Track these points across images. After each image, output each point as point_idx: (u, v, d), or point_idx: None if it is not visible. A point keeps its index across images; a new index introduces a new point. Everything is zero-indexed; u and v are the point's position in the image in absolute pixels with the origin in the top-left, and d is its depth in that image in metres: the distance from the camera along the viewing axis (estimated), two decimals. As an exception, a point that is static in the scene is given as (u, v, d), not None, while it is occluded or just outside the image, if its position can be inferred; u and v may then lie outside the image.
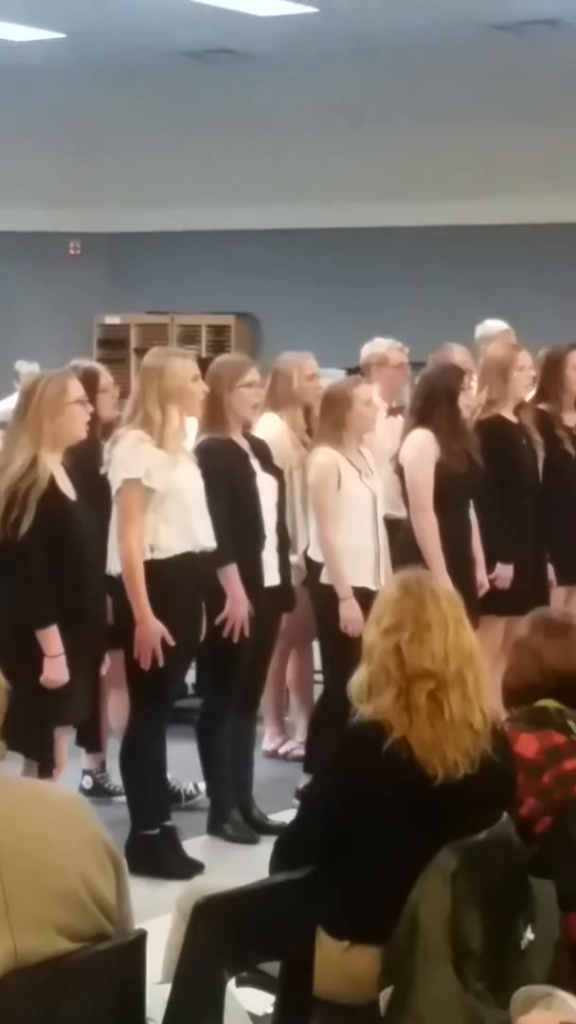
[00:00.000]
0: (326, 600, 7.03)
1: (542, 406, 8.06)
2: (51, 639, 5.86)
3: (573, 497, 7.92)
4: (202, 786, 7.07)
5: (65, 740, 6.23)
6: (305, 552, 7.23)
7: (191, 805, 7.09)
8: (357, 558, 7.04)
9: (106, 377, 7.15)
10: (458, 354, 8.61)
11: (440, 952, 3.70)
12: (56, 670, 5.86)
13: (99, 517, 6.20)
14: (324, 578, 7.04)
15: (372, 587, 6.93)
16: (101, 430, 6.67)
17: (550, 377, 8.07)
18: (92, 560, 6.09)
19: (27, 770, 5.86)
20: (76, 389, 6.04)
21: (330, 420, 7.12)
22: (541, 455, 7.85)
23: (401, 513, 7.44)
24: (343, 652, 6.82)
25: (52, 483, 5.87)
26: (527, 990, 3.40)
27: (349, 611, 6.93)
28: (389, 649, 3.93)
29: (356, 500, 7.05)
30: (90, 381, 6.81)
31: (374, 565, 7.09)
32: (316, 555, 7.10)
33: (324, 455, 7.07)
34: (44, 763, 5.92)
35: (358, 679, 4.01)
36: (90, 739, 7.04)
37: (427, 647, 3.92)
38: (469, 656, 3.97)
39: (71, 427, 5.98)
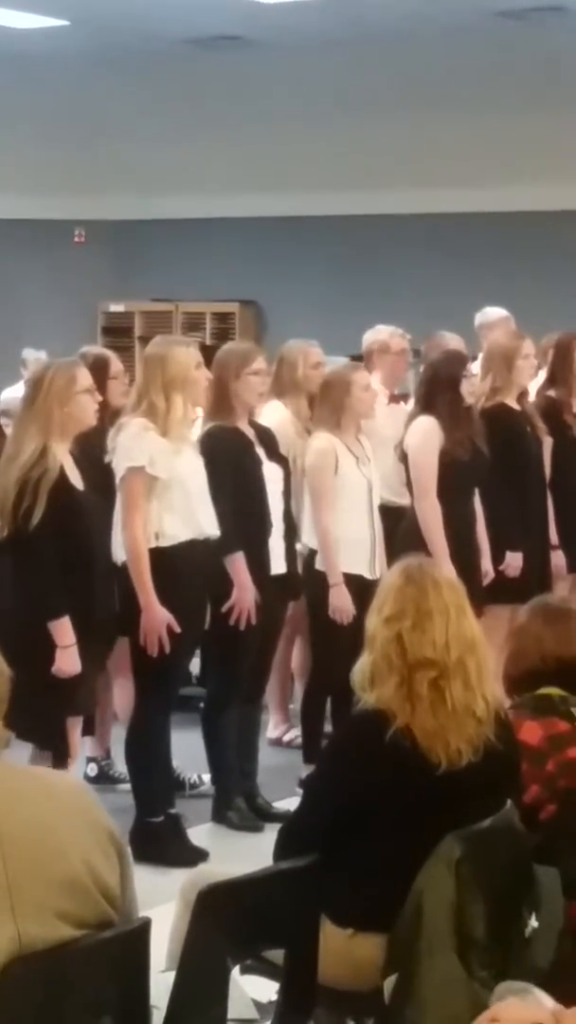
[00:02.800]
0: (319, 586, 7.03)
1: (551, 392, 8.05)
2: (63, 630, 5.85)
3: None
4: (206, 777, 7.07)
5: (78, 729, 6.23)
6: None
7: (195, 794, 7.10)
8: (353, 545, 7.04)
9: (116, 364, 7.17)
10: (453, 342, 8.61)
11: (444, 940, 3.71)
12: (68, 661, 5.86)
13: (106, 505, 6.21)
14: (318, 564, 7.05)
15: (367, 575, 6.95)
16: (111, 416, 6.66)
17: (560, 363, 8.06)
18: (101, 549, 6.09)
19: (36, 759, 5.85)
20: (84, 378, 6.03)
21: (329, 405, 7.12)
22: (548, 442, 7.85)
23: (403, 500, 7.44)
24: (332, 639, 6.84)
25: (62, 473, 5.87)
26: (507, 985, 3.40)
27: (338, 598, 6.94)
28: (391, 637, 3.93)
29: (353, 486, 7.06)
30: (101, 368, 6.84)
31: (370, 553, 7.10)
32: (310, 541, 7.11)
33: (322, 440, 7.07)
34: (58, 752, 5.91)
35: (361, 668, 4.01)
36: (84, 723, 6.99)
37: (428, 635, 3.92)
38: (471, 644, 3.97)
39: (80, 416, 5.98)
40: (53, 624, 5.84)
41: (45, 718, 5.69)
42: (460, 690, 3.91)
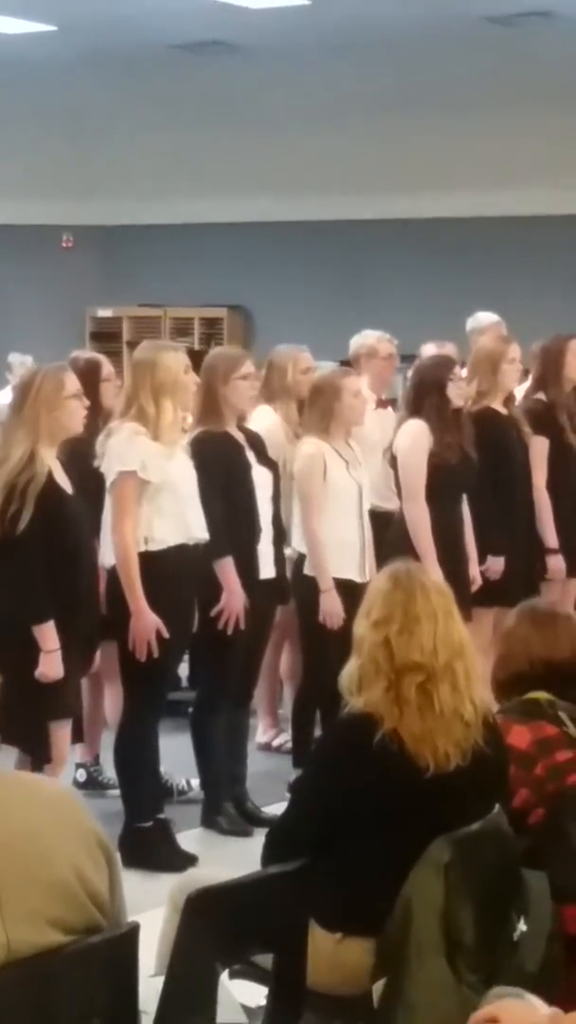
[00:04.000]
0: (308, 591, 7.03)
1: (540, 396, 8.03)
2: (48, 634, 5.85)
3: None
4: (195, 782, 7.07)
5: (66, 735, 6.21)
6: None
7: (184, 799, 7.09)
8: (342, 550, 7.04)
9: (107, 367, 7.22)
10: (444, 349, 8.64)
11: (433, 944, 3.71)
12: (52, 665, 5.85)
13: (94, 510, 6.21)
14: (307, 569, 7.05)
15: (357, 579, 6.95)
16: (104, 419, 6.67)
17: (550, 367, 8.03)
18: (87, 553, 6.09)
19: (21, 763, 5.86)
20: (73, 383, 6.03)
21: (318, 410, 7.12)
22: (539, 444, 7.84)
23: (391, 505, 7.45)
24: (322, 644, 6.84)
25: (50, 477, 5.87)
26: (499, 990, 3.40)
27: (329, 603, 6.94)
28: (378, 642, 3.94)
29: (342, 491, 7.05)
30: (92, 371, 6.89)
31: (359, 557, 7.10)
32: (300, 546, 7.11)
33: (310, 445, 7.07)
34: (39, 758, 5.90)
35: (348, 672, 4.01)
36: (73, 730, 6.98)
37: (416, 640, 3.92)
38: (459, 648, 3.97)
39: (68, 421, 5.99)
40: (38, 628, 5.84)
41: (27, 722, 5.68)
42: (448, 694, 3.92)
